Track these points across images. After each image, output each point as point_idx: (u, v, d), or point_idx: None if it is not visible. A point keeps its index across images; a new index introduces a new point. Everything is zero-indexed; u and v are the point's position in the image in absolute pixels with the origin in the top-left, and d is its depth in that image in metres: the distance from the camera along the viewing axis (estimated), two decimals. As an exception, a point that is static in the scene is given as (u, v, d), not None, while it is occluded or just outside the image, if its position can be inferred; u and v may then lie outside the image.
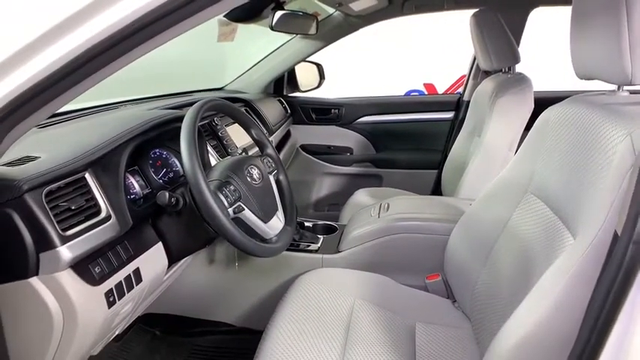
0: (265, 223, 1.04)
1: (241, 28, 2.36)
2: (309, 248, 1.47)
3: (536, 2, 1.85)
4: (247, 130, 1.21)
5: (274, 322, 1.10)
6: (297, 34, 1.73)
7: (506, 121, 1.58)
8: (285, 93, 2.32)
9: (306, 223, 1.64)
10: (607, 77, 0.79)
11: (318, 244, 1.49)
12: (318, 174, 2.38)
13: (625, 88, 0.87)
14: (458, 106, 2.18)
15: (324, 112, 2.34)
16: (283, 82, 2.29)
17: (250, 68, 2.17)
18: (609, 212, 0.67)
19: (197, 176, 0.88)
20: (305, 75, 2.33)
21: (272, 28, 1.33)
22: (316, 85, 2.38)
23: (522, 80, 1.64)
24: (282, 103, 2.22)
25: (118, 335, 1.48)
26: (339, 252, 1.45)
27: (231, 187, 0.97)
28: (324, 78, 2.37)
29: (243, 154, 1.24)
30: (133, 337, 1.54)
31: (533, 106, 1.60)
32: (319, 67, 2.35)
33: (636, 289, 0.53)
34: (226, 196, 0.95)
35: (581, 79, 0.89)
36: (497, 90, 1.64)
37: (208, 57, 2.67)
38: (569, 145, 0.90)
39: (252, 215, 1.00)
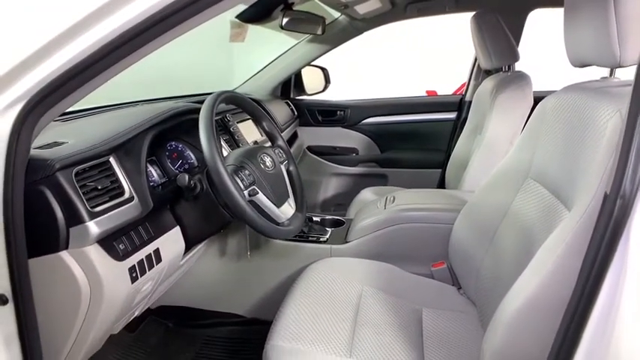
0: (278, 207, 1.10)
1: (248, 36, 2.44)
2: (317, 239, 1.52)
3: (533, 4, 1.92)
4: (259, 122, 1.27)
5: (286, 305, 1.14)
6: (305, 34, 1.79)
7: (506, 117, 1.64)
8: (292, 96, 2.38)
9: (315, 218, 1.69)
10: (598, 61, 0.84)
11: (327, 236, 1.54)
12: (324, 174, 2.43)
13: (616, 75, 0.93)
14: (460, 106, 2.24)
15: (330, 114, 2.40)
16: (290, 86, 2.36)
17: (258, 72, 2.24)
18: (601, 182, 0.71)
19: (215, 159, 0.93)
20: (311, 79, 2.40)
21: (282, 27, 1.40)
22: (322, 88, 2.44)
23: (522, 77, 1.70)
24: (289, 105, 2.29)
25: (132, 326, 1.54)
26: (347, 242, 1.49)
27: (246, 172, 1.03)
28: (329, 82, 2.44)
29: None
30: (148, 329, 1.58)
31: (532, 102, 1.65)
32: (325, 71, 2.42)
33: (624, 241, 0.58)
34: (242, 179, 1.00)
35: (575, 66, 0.94)
36: (497, 88, 1.69)
37: (217, 63, 2.75)
38: (565, 128, 0.95)
39: (266, 199, 1.05)
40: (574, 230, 0.73)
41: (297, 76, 2.34)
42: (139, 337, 1.54)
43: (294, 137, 2.28)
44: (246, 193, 1.00)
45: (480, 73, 2.12)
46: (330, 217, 1.70)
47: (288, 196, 1.17)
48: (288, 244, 1.51)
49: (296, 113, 2.33)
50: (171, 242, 1.04)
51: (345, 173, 2.42)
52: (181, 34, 0.77)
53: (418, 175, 2.29)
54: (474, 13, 1.80)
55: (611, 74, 0.91)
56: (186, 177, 0.99)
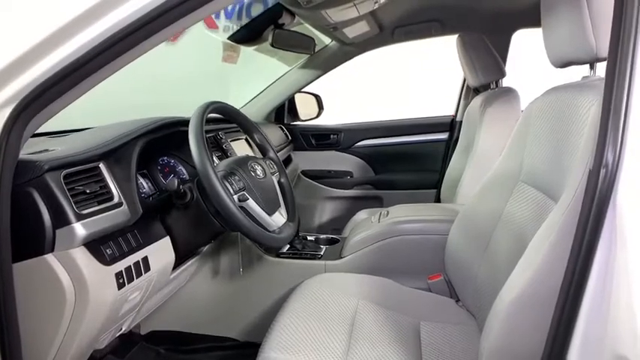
0: (269, 215, 1.09)
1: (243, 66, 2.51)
2: (312, 256, 1.49)
3: (516, 26, 1.99)
4: (250, 134, 1.28)
5: (279, 318, 1.11)
6: (295, 53, 1.84)
7: (495, 131, 1.66)
8: (285, 121, 2.42)
9: (309, 237, 1.68)
10: (577, 56, 0.87)
11: (321, 253, 1.52)
12: (319, 198, 2.43)
13: (597, 73, 0.95)
14: (452, 126, 2.27)
15: (323, 138, 2.43)
16: (284, 112, 2.40)
17: (252, 99, 2.29)
18: (587, 166, 0.71)
19: (205, 163, 0.93)
20: (305, 105, 2.45)
21: (272, 45, 1.45)
22: (315, 115, 2.49)
23: (509, 91, 1.74)
24: (282, 130, 2.32)
25: (122, 352, 1.48)
26: (342, 258, 1.47)
27: (236, 177, 1.03)
28: (322, 108, 2.49)
29: None
30: (138, 355, 1.53)
31: (520, 115, 1.68)
32: (318, 98, 2.47)
33: (611, 211, 0.57)
34: (231, 184, 1.00)
35: (557, 67, 0.96)
36: (485, 103, 1.73)
37: (212, 92, 2.80)
38: (550, 125, 0.96)
39: (256, 206, 1.05)
40: (564, 216, 0.73)
41: (291, 102, 2.38)
42: (128, 365, 1.48)
43: (288, 161, 2.29)
44: (235, 197, 1.00)
45: (470, 93, 2.16)
46: (325, 236, 1.68)
47: (280, 206, 1.17)
48: (281, 261, 1.49)
49: (290, 137, 2.36)
50: (160, 252, 1.02)
51: (340, 196, 2.42)
52: (170, 36, 0.79)
53: (413, 196, 2.28)
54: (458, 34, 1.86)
55: (591, 70, 0.92)
56: (176, 181, 0.99)
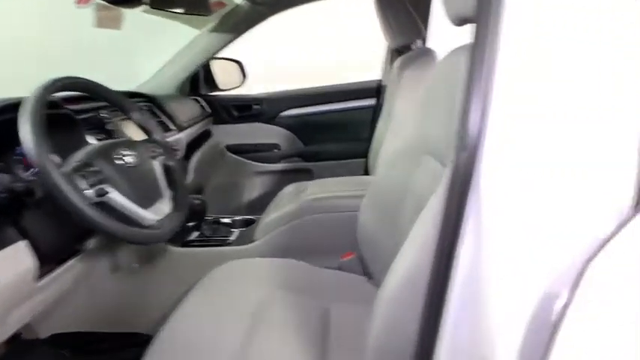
0: (145, 208, 0.95)
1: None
2: (220, 243, 1.39)
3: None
4: (126, 113, 1.11)
5: (171, 319, 1.01)
6: (186, 15, 1.61)
7: (411, 95, 1.57)
8: (202, 92, 2.22)
9: (224, 220, 1.56)
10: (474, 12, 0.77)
11: (232, 237, 1.42)
12: (247, 174, 2.29)
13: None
14: (378, 91, 2.17)
15: (245, 109, 2.26)
16: (199, 81, 2.19)
17: (159, 70, 2.06)
18: None
19: (41, 155, 0.78)
20: (224, 73, 2.25)
21: (151, 6, 1.24)
22: (239, 83, 2.30)
23: (425, 53, 1.64)
24: (199, 102, 2.13)
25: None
26: (253, 241, 1.37)
27: (92, 169, 0.88)
28: (245, 76, 2.30)
29: None
30: (39, 362, 1.39)
31: (438, 77, 1.60)
32: (240, 64, 2.28)
33: (476, 175, 0.50)
34: (84, 177, 0.85)
35: (456, 25, 0.87)
36: (401, 66, 1.63)
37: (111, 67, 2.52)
38: (446, 90, 0.89)
39: (124, 199, 0.90)
40: (443, 188, 0.65)
41: (208, 71, 2.18)
42: (27, 373, 1.34)
43: (207, 136, 2.12)
44: (91, 192, 0.85)
45: (394, 55, 2.05)
46: (241, 217, 1.57)
47: (162, 195, 1.03)
48: (186, 251, 1.37)
49: (209, 110, 2.17)
50: (10, 259, 0.87)
51: (268, 171, 2.29)
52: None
53: (344, 166, 2.20)
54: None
55: None
56: (7, 176, 0.83)
